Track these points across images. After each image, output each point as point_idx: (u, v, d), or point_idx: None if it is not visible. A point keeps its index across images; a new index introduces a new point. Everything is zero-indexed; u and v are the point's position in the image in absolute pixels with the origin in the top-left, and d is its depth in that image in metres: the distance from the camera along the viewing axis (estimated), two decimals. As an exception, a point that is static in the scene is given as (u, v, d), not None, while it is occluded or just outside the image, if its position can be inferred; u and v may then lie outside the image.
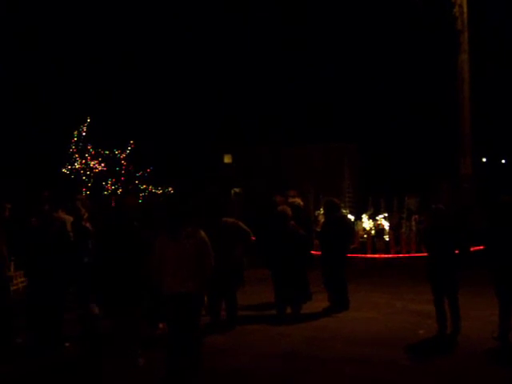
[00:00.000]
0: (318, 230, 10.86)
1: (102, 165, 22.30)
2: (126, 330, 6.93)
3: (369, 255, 17.02)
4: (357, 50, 27.22)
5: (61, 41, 24.89)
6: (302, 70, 28.35)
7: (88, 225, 9.52)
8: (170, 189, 24.08)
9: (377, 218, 18.01)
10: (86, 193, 20.20)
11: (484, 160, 30.35)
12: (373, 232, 17.13)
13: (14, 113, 23.37)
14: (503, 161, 32.08)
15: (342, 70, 28.16)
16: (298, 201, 10.91)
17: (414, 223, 16.62)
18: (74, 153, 21.88)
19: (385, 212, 18.36)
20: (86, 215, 9.58)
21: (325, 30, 27.09)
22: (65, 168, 21.86)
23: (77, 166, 21.90)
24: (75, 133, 21.85)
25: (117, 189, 22.48)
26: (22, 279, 10.81)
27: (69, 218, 9.24)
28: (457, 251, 7.99)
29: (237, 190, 26.39)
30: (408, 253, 17.01)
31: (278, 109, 28.07)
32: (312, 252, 10.33)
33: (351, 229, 11.25)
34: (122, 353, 6.94)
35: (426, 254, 8.57)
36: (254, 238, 10.26)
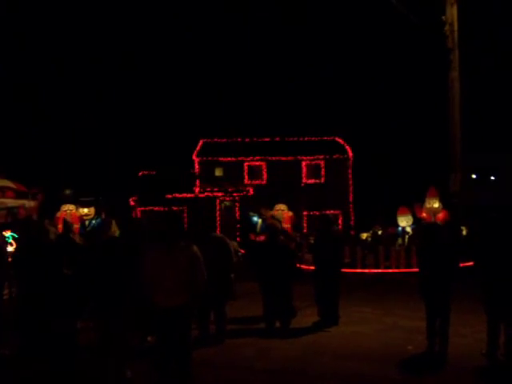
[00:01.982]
0: (311, 241, 10.87)
1: None
2: (114, 342, 6.86)
3: (358, 270, 17.08)
4: (354, 67, 27.53)
5: (61, 41, 24.91)
6: (300, 78, 28.59)
7: (76, 237, 9.49)
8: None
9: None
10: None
11: (474, 176, 30.52)
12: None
13: (15, 113, 23.33)
14: (492, 177, 32.27)
15: (340, 82, 28.38)
16: (277, 216, 10.98)
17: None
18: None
19: (379, 228, 18.49)
20: (74, 226, 9.55)
21: (328, 42, 27.36)
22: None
23: None
24: None
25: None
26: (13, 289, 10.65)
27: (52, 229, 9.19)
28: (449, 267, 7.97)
29: (227, 203, 26.38)
30: (397, 268, 17.09)
31: (272, 118, 28.26)
32: (302, 266, 10.33)
33: (343, 245, 11.27)
34: (109, 365, 6.86)
35: (415, 270, 8.56)
36: (243, 252, 10.27)
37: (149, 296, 6.21)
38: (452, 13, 17.78)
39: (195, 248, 6.28)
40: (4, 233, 12.07)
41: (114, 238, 7.35)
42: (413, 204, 19.78)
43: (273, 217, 10.49)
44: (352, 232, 26.15)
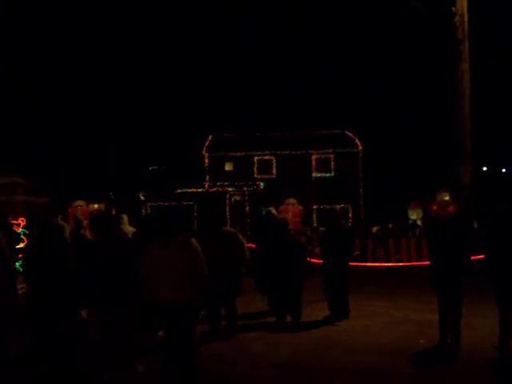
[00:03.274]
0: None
1: None
2: (119, 339, 6.89)
3: (369, 263, 17.04)
4: (362, 63, 27.46)
5: (61, 41, 24.95)
6: (309, 71, 28.59)
7: (87, 233, 9.51)
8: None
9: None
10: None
11: (485, 169, 30.35)
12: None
13: (14, 113, 23.40)
14: (504, 170, 32.07)
15: (349, 75, 28.34)
16: (273, 210, 11.05)
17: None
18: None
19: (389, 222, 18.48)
20: (85, 222, 9.58)
21: (337, 35, 27.37)
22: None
23: None
24: None
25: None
26: (22, 285, 10.69)
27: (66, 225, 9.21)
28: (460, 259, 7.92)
29: (237, 198, 26.38)
30: (408, 261, 17.03)
31: (282, 112, 28.27)
32: (313, 260, 10.33)
33: (353, 237, 11.26)
34: (118, 360, 6.88)
35: (426, 263, 8.53)
36: (253, 246, 10.26)
37: (149, 291, 6.23)
38: (462, 4, 17.63)
39: (194, 242, 6.27)
40: (15, 229, 12.14)
41: (122, 235, 7.38)
42: (424, 198, 19.69)
43: (269, 212, 10.65)
44: (362, 227, 26.08)
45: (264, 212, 17.02)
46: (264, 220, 10.63)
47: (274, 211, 11.10)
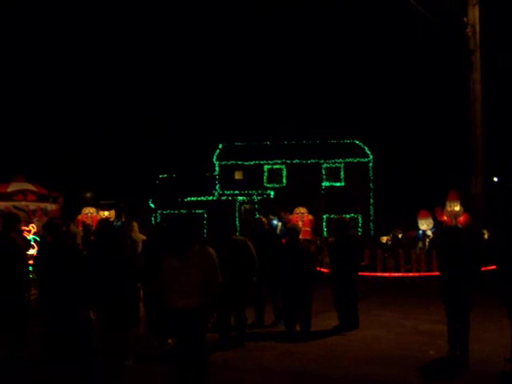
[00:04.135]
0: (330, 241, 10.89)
1: None
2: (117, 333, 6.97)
3: (379, 273, 17.00)
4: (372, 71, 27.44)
5: (61, 41, 24.99)
6: (320, 80, 28.59)
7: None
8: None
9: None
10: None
11: (495, 179, 30.20)
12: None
13: (15, 113, 23.44)
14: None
15: (360, 85, 28.33)
16: (264, 220, 11.10)
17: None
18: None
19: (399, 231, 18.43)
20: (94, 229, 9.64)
21: (348, 45, 27.35)
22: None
23: None
24: None
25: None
26: (34, 292, 10.74)
27: (79, 232, 9.29)
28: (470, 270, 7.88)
29: (247, 206, 26.38)
30: (418, 272, 16.97)
31: (292, 121, 28.32)
32: (322, 269, 10.31)
33: (362, 247, 11.25)
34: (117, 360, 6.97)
35: (436, 273, 8.49)
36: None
37: (165, 298, 6.25)
38: (474, 14, 17.62)
39: (210, 251, 6.27)
40: (26, 235, 12.21)
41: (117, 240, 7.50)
42: (434, 207, 19.59)
43: (260, 220, 10.77)
44: (372, 237, 25.97)
45: (276, 221, 17.01)
46: (255, 229, 10.69)
47: (263, 220, 11.14)
